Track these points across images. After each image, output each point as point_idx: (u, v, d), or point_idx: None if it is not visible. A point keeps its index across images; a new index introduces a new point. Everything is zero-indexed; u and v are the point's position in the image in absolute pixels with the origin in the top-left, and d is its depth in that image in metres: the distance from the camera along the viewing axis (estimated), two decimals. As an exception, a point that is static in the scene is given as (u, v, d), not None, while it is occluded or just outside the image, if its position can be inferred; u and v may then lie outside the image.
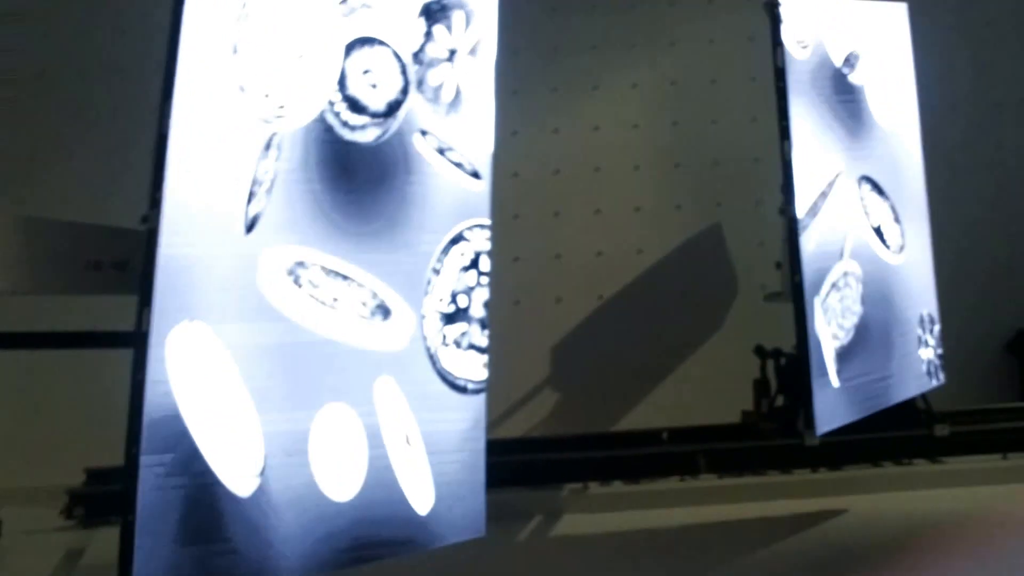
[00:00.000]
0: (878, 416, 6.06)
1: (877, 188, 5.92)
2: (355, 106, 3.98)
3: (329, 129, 3.92)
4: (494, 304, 7.07)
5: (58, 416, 6.70)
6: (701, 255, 7.57)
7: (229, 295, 3.56)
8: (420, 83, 4.18)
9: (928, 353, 6.19)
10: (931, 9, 7.01)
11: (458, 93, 4.30)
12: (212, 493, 3.45)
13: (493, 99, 4.42)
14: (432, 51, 4.24)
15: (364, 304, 3.96)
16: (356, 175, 3.95)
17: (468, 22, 4.35)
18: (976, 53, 8.06)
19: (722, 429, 6.30)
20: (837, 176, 5.63)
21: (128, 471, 3.35)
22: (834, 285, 5.55)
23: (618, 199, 7.55)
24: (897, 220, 6.08)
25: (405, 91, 4.14)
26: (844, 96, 5.75)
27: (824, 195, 5.52)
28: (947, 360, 7.75)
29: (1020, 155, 8.23)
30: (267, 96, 3.73)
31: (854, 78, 5.83)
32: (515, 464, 5.91)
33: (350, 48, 3.99)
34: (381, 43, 4.09)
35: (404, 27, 4.17)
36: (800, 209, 5.28)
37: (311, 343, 3.77)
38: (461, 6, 4.33)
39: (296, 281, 3.76)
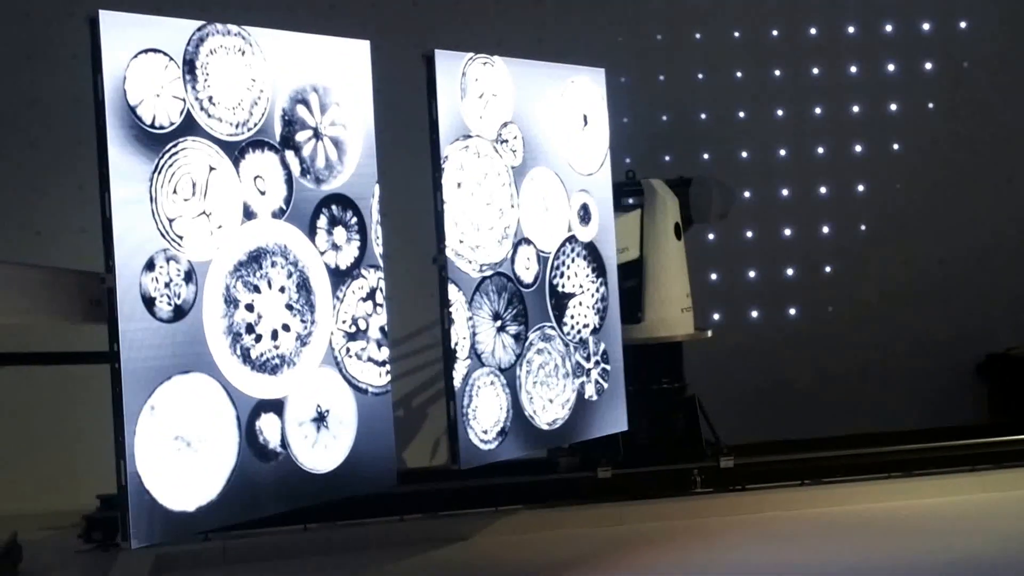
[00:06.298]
0: (671, 449, 6.52)
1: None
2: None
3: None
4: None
5: (69, 443, 7.17)
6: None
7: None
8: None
9: (591, 386, 6.10)
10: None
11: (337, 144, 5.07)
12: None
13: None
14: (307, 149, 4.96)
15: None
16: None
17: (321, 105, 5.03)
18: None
19: (529, 464, 6.52)
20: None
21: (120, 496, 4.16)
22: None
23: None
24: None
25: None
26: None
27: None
28: (922, 382, 8.19)
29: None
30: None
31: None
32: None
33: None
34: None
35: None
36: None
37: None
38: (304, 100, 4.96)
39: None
